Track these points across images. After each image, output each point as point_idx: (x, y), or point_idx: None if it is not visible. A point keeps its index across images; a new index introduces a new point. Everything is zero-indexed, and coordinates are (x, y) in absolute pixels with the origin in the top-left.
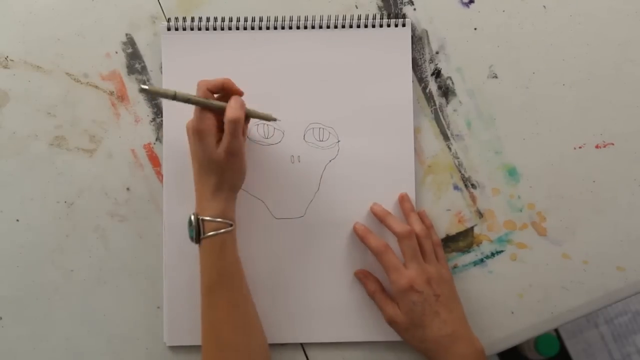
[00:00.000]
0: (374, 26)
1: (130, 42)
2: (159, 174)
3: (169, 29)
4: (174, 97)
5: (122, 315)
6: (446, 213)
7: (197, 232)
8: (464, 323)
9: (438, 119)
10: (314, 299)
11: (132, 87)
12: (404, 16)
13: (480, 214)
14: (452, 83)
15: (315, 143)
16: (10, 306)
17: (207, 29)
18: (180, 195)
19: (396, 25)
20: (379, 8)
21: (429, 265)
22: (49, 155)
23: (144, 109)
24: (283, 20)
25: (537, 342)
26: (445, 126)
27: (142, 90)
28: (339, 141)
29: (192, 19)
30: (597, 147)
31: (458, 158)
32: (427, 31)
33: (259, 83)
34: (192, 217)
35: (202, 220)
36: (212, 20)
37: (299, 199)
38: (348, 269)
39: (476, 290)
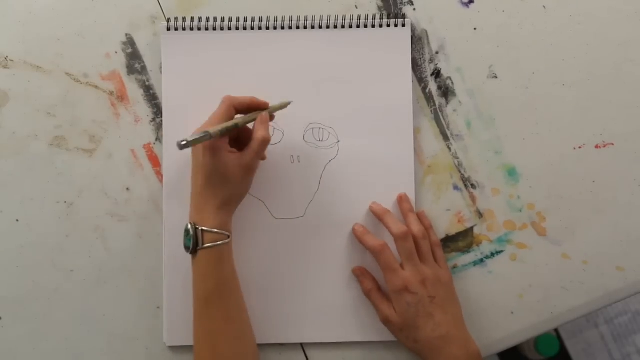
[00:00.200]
0: (373, 26)
1: (130, 42)
2: (159, 174)
3: (168, 29)
4: (210, 137)
5: (122, 315)
6: (446, 213)
7: (194, 242)
8: (460, 325)
9: (438, 119)
10: (314, 299)
11: (132, 87)
12: (403, 16)
13: (480, 214)
14: (452, 83)
15: (315, 143)
16: (10, 306)
17: (206, 29)
18: (180, 196)
19: (396, 26)
20: (379, 8)
21: (425, 267)
22: (48, 155)
23: (143, 109)
24: (283, 20)
25: (537, 342)
26: (445, 126)
27: (183, 147)
28: (338, 141)
29: (192, 19)
30: (597, 147)
31: (458, 158)
32: (427, 31)
33: (259, 83)
34: (190, 227)
35: (202, 230)
36: (211, 20)
37: (299, 199)
38: (348, 269)
39: (476, 290)
